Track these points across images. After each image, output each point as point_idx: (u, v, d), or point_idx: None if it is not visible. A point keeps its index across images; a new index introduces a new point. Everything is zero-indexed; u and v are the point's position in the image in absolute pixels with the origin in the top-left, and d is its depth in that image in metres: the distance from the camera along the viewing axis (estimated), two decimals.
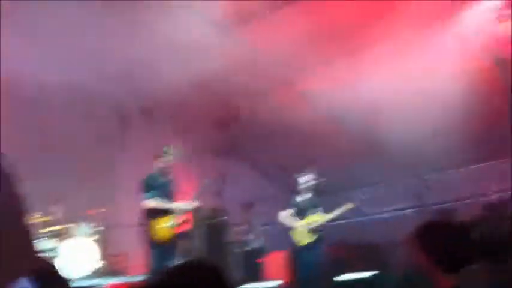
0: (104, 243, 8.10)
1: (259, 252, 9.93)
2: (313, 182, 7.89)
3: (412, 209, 10.81)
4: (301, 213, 7.79)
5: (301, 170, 8.03)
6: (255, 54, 8.54)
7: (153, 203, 6.30)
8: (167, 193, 6.46)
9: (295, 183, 7.97)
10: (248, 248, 9.69)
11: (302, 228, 7.69)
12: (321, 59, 8.27)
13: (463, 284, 2.38)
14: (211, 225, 9.21)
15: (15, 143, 7.30)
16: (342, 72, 8.55)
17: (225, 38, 8.04)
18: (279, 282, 7.03)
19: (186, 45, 7.64)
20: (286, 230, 7.95)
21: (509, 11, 7.52)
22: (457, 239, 2.47)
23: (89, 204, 8.07)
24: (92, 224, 7.92)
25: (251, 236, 9.89)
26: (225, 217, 9.56)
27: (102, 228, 8.00)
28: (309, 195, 7.89)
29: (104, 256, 7.95)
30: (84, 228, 7.82)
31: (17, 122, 7.68)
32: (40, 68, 7.19)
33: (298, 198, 7.86)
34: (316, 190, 8.05)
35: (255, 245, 9.91)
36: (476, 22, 7.75)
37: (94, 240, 7.81)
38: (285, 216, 7.77)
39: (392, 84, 8.14)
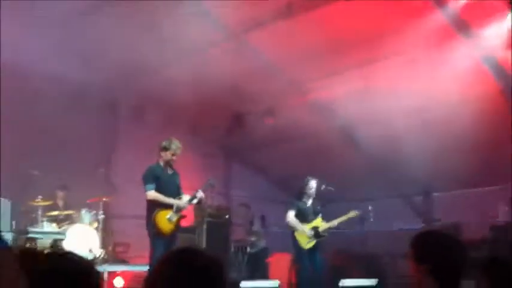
0: (105, 231, 8.15)
1: (262, 253, 9.89)
2: (317, 188, 7.88)
3: (416, 225, 10.75)
4: (303, 217, 7.78)
5: (306, 177, 8.00)
6: (265, 62, 8.48)
7: (155, 195, 6.27)
8: (171, 186, 6.43)
9: (300, 188, 7.96)
10: (252, 250, 9.67)
11: (306, 232, 7.68)
12: (332, 69, 8.18)
13: None
14: (214, 223, 9.21)
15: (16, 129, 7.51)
16: (352, 84, 8.45)
17: (235, 44, 7.98)
18: (278, 282, 7.02)
19: (195, 49, 7.59)
20: (290, 231, 7.93)
21: None
22: (454, 251, 2.44)
23: (91, 192, 8.11)
24: (94, 212, 7.96)
25: (255, 237, 9.86)
26: (228, 216, 9.56)
27: (103, 216, 8.02)
28: (311, 200, 7.89)
29: (105, 244, 8.00)
30: (86, 215, 7.86)
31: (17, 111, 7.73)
32: (39, 60, 7.15)
33: (301, 203, 7.85)
34: (319, 197, 8.03)
35: (259, 245, 9.88)
36: (489, 45, 7.61)
37: (95, 228, 7.84)
38: (292, 217, 7.74)
39: (403, 100, 8.02)
